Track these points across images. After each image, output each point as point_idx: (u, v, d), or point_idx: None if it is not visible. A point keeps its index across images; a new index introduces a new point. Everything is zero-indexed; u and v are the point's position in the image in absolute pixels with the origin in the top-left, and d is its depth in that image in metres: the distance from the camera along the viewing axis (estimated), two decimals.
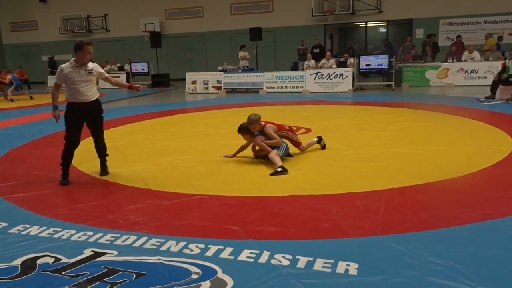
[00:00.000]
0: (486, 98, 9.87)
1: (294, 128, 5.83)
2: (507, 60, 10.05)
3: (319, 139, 5.71)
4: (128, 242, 3.09)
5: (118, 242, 3.10)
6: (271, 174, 4.63)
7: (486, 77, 12.11)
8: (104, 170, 4.90)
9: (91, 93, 4.64)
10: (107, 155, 4.97)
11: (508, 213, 3.32)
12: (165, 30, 20.97)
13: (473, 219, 3.24)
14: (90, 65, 4.63)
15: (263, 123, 5.24)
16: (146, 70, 17.96)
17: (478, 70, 13.00)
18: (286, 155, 5.22)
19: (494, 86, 9.99)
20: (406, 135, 6.43)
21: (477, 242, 2.88)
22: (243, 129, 5.25)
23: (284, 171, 4.66)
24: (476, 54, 13.40)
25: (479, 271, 2.50)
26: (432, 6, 16.90)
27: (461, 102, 9.75)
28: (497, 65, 11.80)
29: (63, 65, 4.57)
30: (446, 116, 7.95)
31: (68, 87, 4.54)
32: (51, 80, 19.42)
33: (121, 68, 18.64)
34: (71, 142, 4.60)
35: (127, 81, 17.87)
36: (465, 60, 13.46)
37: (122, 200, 4.02)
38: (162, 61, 19.53)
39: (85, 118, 4.67)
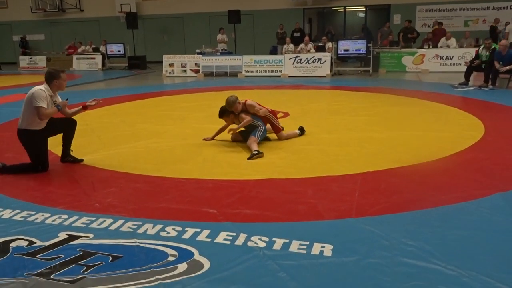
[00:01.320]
0: (460, 84, 10.09)
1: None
2: (481, 47, 10.26)
3: (301, 131, 5.61)
4: (104, 225, 3.07)
5: (94, 225, 3.08)
6: (248, 159, 4.65)
7: (460, 64, 12.34)
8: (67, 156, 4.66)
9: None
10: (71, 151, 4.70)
11: (477, 196, 3.43)
12: (142, 11, 20.50)
13: (443, 201, 3.34)
14: (59, 98, 4.46)
15: (243, 101, 5.23)
16: (122, 52, 17.56)
17: (452, 56, 13.24)
18: (263, 138, 5.24)
19: (467, 73, 10.21)
20: (382, 120, 6.54)
21: (446, 224, 2.98)
22: (226, 112, 5.22)
23: (259, 153, 4.70)
24: (452, 41, 13.61)
25: (448, 252, 2.59)
26: None
27: (436, 88, 9.93)
28: (471, 52, 12.03)
29: (42, 90, 4.21)
30: (421, 101, 8.10)
31: (33, 113, 4.18)
32: (23, 61, 18.86)
33: (96, 50, 18.18)
34: (44, 164, 4.34)
35: (103, 63, 17.49)
36: (441, 47, 13.67)
37: (98, 183, 3.97)
38: (139, 43, 19.14)
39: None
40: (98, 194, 3.70)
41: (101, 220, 3.16)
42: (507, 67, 9.18)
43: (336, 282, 2.32)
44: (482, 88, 9.53)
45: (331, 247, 2.67)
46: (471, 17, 17.00)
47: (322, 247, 2.68)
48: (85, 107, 4.62)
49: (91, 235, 2.92)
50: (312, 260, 2.54)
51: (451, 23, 16.71)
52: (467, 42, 13.73)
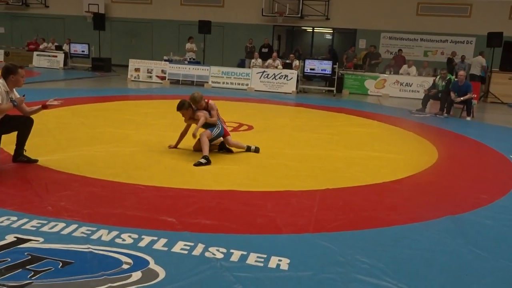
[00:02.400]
0: (417, 110, 10.53)
1: (236, 125, 5.87)
2: (437, 77, 10.79)
3: (248, 148, 5.45)
4: (55, 229, 2.96)
5: (45, 228, 2.96)
6: (194, 165, 4.66)
7: (419, 91, 12.90)
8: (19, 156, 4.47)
9: None
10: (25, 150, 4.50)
11: (428, 218, 3.58)
12: (110, 13, 20.12)
13: (397, 221, 3.46)
14: (16, 94, 4.30)
15: (206, 100, 5.24)
16: (86, 52, 17.12)
17: (412, 84, 13.83)
18: (218, 137, 5.19)
19: (424, 100, 10.70)
20: (342, 139, 6.71)
21: (399, 243, 3.09)
22: (185, 105, 5.13)
23: (208, 162, 4.73)
24: (413, 69, 14.24)
25: (399, 270, 2.68)
26: (375, 19, 17.68)
27: (395, 112, 10.32)
28: (429, 81, 12.60)
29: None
30: (380, 124, 8.39)
31: None
32: None
33: (58, 48, 17.63)
34: None
35: (65, 62, 16.97)
36: (402, 74, 14.26)
37: (52, 186, 3.83)
38: (105, 45, 18.72)
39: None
40: (51, 197, 3.56)
41: (53, 223, 3.04)
42: (462, 98, 9.69)
43: None
44: (437, 115, 9.99)
45: (288, 261, 2.70)
46: (431, 48, 17.86)
47: (279, 260, 2.70)
48: (45, 107, 4.46)
49: (41, 239, 2.81)
50: (268, 273, 2.55)
51: (411, 52, 17.47)
52: (425, 71, 14.39)
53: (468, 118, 9.70)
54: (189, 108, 5.17)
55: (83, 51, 17.20)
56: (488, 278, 2.67)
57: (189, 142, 5.41)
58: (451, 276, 2.66)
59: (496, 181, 4.82)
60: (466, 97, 9.65)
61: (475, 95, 11.45)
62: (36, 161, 4.48)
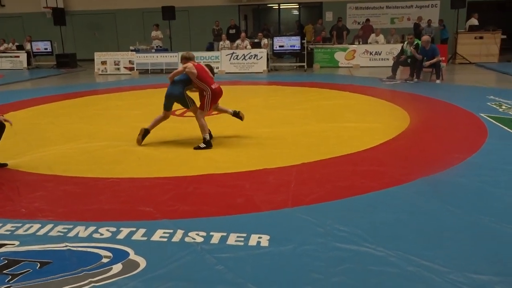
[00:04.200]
0: (387, 78, 10.65)
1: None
2: (405, 43, 10.89)
3: (235, 113, 5.39)
4: (31, 231, 2.90)
5: (20, 231, 2.90)
6: (195, 148, 4.71)
7: (388, 59, 13.02)
8: None
9: None
10: None
11: (403, 181, 3.65)
12: (70, 7, 19.49)
13: (372, 188, 3.52)
14: None
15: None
16: (49, 49, 16.57)
17: (381, 52, 13.94)
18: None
19: (394, 67, 10.81)
20: (316, 114, 6.74)
21: (375, 208, 3.15)
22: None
23: (208, 146, 4.76)
24: (381, 37, 14.32)
25: (377, 235, 2.73)
26: None
27: (366, 82, 10.40)
28: (398, 48, 12.71)
29: None
30: (352, 95, 8.45)
31: None
32: None
33: (20, 47, 17.01)
34: None
35: (28, 61, 16.42)
36: (370, 43, 14.34)
37: (24, 188, 3.74)
38: (68, 40, 18.17)
39: None
40: (24, 199, 3.48)
41: (27, 226, 2.98)
42: (430, 62, 9.82)
43: (273, 271, 2.36)
44: (408, 81, 10.13)
45: (268, 237, 2.72)
46: (397, 15, 17.96)
47: (259, 238, 2.72)
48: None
49: (16, 242, 2.75)
50: (249, 251, 2.57)
51: (378, 20, 17.56)
52: (393, 39, 14.50)
53: (438, 81, 9.87)
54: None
55: (46, 49, 16.65)
56: (463, 233, 2.75)
57: (161, 131, 5.35)
58: (428, 235, 2.73)
59: (468, 140, 4.94)
60: (433, 60, 9.79)
61: (443, 58, 11.65)
62: (6, 165, 4.36)
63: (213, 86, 4.97)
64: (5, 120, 4.26)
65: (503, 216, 2.95)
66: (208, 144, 4.81)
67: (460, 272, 2.29)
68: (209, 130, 5.03)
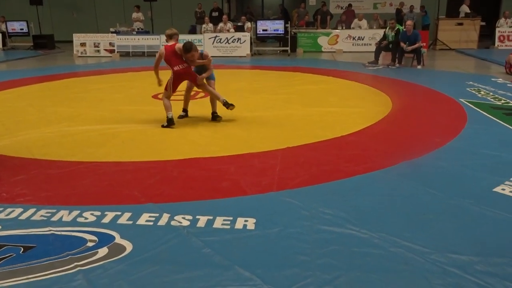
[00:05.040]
0: (369, 63, 10.71)
1: (192, 93, 5.77)
2: (387, 28, 10.95)
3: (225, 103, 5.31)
4: (12, 215, 2.85)
5: (1, 216, 2.84)
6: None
7: (371, 44, 13.08)
8: None
9: None
10: None
11: (386, 165, 3.71)
12: None
13: (356, 171, 3.57)
14: None
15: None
16: (26, 30, 16.08)
17: (364, 37, 13.98)
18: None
19: (377, 52, 10.87)
20: (300, 98, 6.75)
21: (359, 192, 3.20)
22: (194, 45, 4.96)
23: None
24: (364, 22, 14.34)
25: (361, 217, 2.78)
26: None
27: (349, 67, 10.44)
28: (380, 33, 12.78)
29: None
30: (335, 80, 8.49)
31: None
32: None
33: None
34: None
35: (4, 42, 15.89)
36: (353, 28, 14.36)
37: (4, 172, 3.66)
38: (45, 21, 17.64)
39: None
40: (4, 183, 3.41)
41: (9, 210, 2.93)
42: (411, 47, 9.91)
43: (259, 253, 2.39)
44: (390, 66, 10.21)
45: (254, 220, 2.74)
46: (379, 1, 17.98)
47: (246, 221, 2.73)
48: None
49: None
50: (235, 235, 2.59)
51: (361, 6, 17.55)
52: (376, 24, 14.55)
53: (419, 67, 9.98)
54: (196, 49, 5.05)
55: (21, 29, 16.15)
56: (444, 216, 2.82)
57: (145, 115, 5.29)
58: (410, 217, 2.79)
59: (448, 125, 5.03)
60: (415, 46, 9.88)
61: (424, 44, 11.77)
62: None
63: (175, 68, 5.02)
64: None
65: (482, 198, 3.04)
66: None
67: (441, 252, 2.36)
68: (186, 109, 5.51)
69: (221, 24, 13.92)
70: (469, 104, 5.97)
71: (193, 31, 15.74)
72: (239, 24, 14.48)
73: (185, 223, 2.72)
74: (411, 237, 2.52)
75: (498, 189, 3.19)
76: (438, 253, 2.36)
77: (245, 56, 13.04)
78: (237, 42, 13.28)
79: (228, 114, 5.62)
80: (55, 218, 2.80)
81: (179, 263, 2.29)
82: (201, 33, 14.12)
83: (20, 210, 2.92)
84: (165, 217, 2.79)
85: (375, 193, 3.17)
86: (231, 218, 2.76)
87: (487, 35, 14.88)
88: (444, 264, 2.25)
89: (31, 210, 2.92)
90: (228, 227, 2.67)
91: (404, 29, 10.35)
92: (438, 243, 2.46)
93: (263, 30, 13.64)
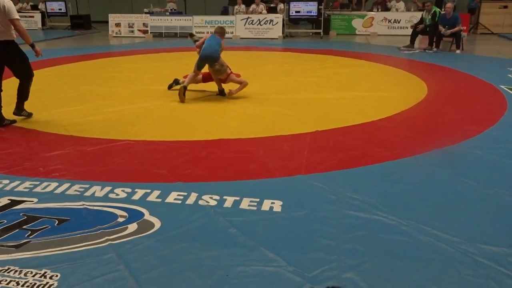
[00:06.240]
0: (405, 47, 10.39)
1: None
2: (424, 11, 10.54)
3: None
4: (48, 189, 2.96)
5: (38, 189, 2.97)
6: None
7: (407, 27, 12.65)
8: (17, 109, 4.60)
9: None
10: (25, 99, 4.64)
11: (417, 152, 3.62)
12: None
13: (386, 157, 3.50)
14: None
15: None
16: (63, 10, 16.46)
17: (400, 20, 13.54)
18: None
19: (413, 36, 10.52)
20: (331, 81, 6.64)
21: (388, 178, 3.14)
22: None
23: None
24: (401, 4, 13.86)
25: (389, 204, 2.74)
26: None
27: (383, 50, 10.16)
28: (418, 16, 12.34)
29: None
30: (369, 63, 8.29)
31: None
32: None
33: (34, 7, 16.91)
34: None
35: (43, 22, 16.34)
36: (390, 9, 13.91)
37: (41, 147, 3.80)
38: (82, 1, 17.98)
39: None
40: (41, 158, 3.54)
41: (45, 184, 3.05)
42: (450, 31, 9.53)
43: (285, 235, 2.40)
44: (426, 51, 9.87)
45: (281, 203, 2.75)
46: None
47: (272, 203, 2.74)
48: (33, 46, 4.60)
49: (35, 200, 2.82)
50: (262, 216, 2.60)
51: None
52: (414, 6, 14.04)
53: (458, 51, 9.60)
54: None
55: (60, 9, 16.52)
56: (477, 206, 2.74)
57: (175, 96, 5.34)
58: (441, 206, 2.73)
59: (486, 112, 4.84)
60: (454, 29, 9.50)
61: (465, 27, 11.29)
62: (15, 121, 4.52)
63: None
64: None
65: None
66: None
67: (472, 243, 2.30)
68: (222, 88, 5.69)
69: (253, 6, 13.78)
70: (510, 91, 5.71)
71: (225, 12, 15.67)
72: (271, 5, 14.29)
73: (213, 202, 2.75)
74: (441, 226, 2.46)
75: None
76: (469, 243, 2.30)
77: (277, 38, 12.90)
78: (269, 23, 13.14)
79: (259, 96, 5.61)
80: (88, 193, 2.90)
81: (205, 242, 2.33)
82: (233, 14, 14.04)
83: (55, 184, 3.04)
84: (193, 196, 2.83)
85: (405, 180, 3.10)
86: (258, 200, 2.78)
87: None
88: (475, 255, 2.20)
89: (66, 185, 3.02)
90: (255, 208, 2.68)
91: (443, 12, 9.94)
92: (469, 233, 2.40)
93: (296, 12, 13.41)
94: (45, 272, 2.06)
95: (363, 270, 2.08)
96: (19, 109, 4.59)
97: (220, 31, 5.66)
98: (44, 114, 4.88)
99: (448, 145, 3.79)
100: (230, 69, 5.50)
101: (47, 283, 1.99)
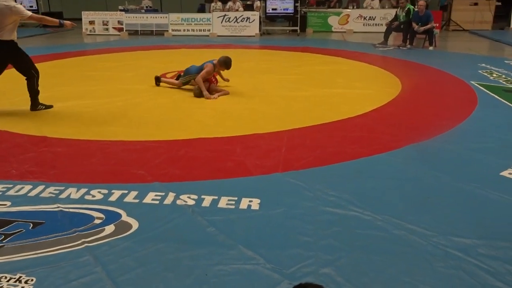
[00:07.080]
0: (379, 44, 10.55)
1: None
2: (398, 9, 10.72)
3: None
4: (22, 192, 2.90)
5: (11, 192, 2.90)
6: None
7: (382, 24, 12.84)
8: (32, 105, 4.93)
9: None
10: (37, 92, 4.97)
11: (392, 148, 3.70)
12: None
13: (361, 154, 3.57)
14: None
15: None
16: (35, 7, 16.04)
17: (375, 17, 13.73)
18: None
19: (387, 33, 10.69)
20: (308, 79, 6.70)
21: (364, 174, 3.20)
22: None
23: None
24: (376, 1, 14.06)
25: (365, 199, 2.79)
26: None
27: (359, 47, 10.29)
28: (392, 13, 12.54)
29: None
30: (345, 60, 8.39)
31: None
32: None
33: None
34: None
35: None
36: (365, 7, 14.09)
37: (13, 149, 3.72)
38: None
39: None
40: (14, 160, 3.46)
41: (18, 187, 2.98)
42: (423, 28, 9.72)
43: (263, 233, 2.42)
44: (400, 47, 10.05)
45: (259, 201, 2.77)
46: None
47: (250, 201, 2.76)
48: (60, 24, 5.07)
49: (8, 203, 2.76)
50: (240, 214, 2.62)
51: None
52: (388, 3, 14.26)
53: (431, 48, 9.81)
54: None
55: (31, 6, 16.08)
56: (448, 199, 2.82)
57: (153, 95, 5.29)
58: (414, 200, 2.80)
59: (457, 107, 4.98)
60: (427, 26, 9.70)
61: (437, 24, 11.53)
62: (51, 106, 4.98)
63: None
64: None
65: (488, 182, 3.02)
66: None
67: (444, 235, 2.37)
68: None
69: (230, 3, 13.74)
70: (480, 87, 5.88)
71: (202, 9, 15.58)
72: (248, 2, 14.28)
73: (191, 202, 2.75)
74: (414, 220, 2.53)
75: (505, 173, 3.18)
76: (441, 236, 2.37)
77: (253, 36, 12.91)
78: (246, 21, 13.13)
79: (236, 94, 5.62)
80: (63, 196, 2.85)
81: (184, 242, 2.33)
82: (209, 12, 13.96)
83: (29, 187, 2.98)
84: (171, 196, 2.82)
85: (380, 176, 3.17)
86: (235, 198, 2.79)
87: (502, 16, 14.52)
88: (447, 247, 2.27)
89: (40, 187, 2.97)
90: (233, 207, 2.70)
91: (416, 9, 10.13)
92: (441, 226, 2.47)
93: (273, 9, 13.45)
94: (20, 277, 2.03)
95: (340, 265, 2.13)
96: (34, 104, 4.91)
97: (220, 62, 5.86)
98: (16, 114, 4.76)
99: (422, 140, 3.88)
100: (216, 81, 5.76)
101: (22, 287, 1.96)
